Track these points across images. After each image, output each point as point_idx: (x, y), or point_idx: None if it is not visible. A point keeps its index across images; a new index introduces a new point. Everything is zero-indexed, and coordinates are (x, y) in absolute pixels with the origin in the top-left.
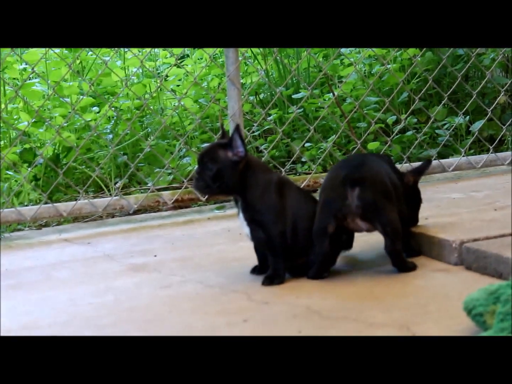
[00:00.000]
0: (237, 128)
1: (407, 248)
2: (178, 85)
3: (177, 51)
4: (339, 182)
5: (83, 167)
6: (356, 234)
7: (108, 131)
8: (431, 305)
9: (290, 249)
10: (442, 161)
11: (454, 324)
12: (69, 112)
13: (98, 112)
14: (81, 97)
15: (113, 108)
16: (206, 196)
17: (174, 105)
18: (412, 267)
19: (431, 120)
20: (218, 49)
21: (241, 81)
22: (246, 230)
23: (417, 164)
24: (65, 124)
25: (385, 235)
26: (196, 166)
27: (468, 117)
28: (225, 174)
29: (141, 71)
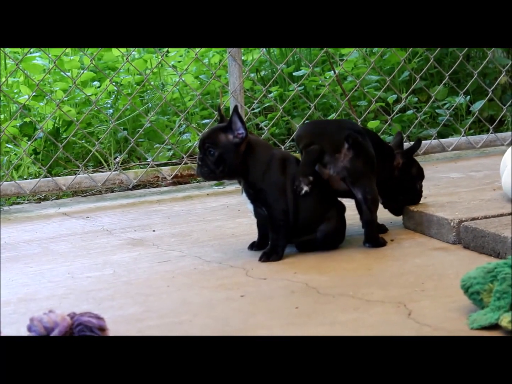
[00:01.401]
0: (235, 110)
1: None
2: (179, 61)
3: None
4: (340, 135)
5: (83, 141)
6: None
7: (109, 106)
8: (429, 283)
9: (295, 226)
10: (442, 140)
11: (451, 301)
12: (70, 87)
13: (98, 87)
14: (82, 71)
15: (113, 83)
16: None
17: (174, 81)
18: (383, 243)
19: (432, 100)
20: None
21: (242, 58)
22: (249, 207)
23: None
24: (66, 99)
25: (364, 203)
26: (198, 152)
27: (468, 97)
28: (227, 158)
29: None
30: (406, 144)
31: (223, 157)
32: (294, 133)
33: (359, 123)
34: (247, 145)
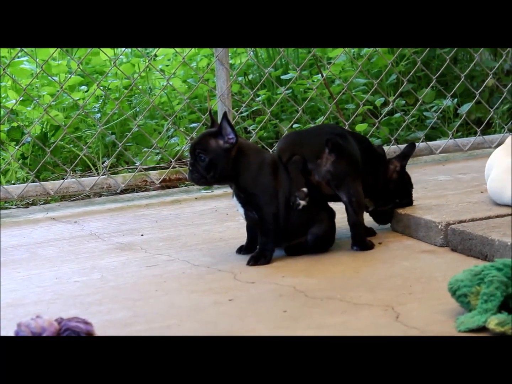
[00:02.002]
0: (225, 116)
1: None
2: (167, 65)
3: None
4: (320, 141)
5: (71, 146)
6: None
7: (96, 110)
8: (416, 285)
9: (285, 229)
10: (430, 143)
11: (439, 304)
12: (57, 91)
13: (86, 91)
14: (70, 75)
15: (101, 87)
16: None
17: (162, 85)
18: (370, 245)
19: (419, 103)
20: None
21: (230, 61)
22: (240, 210)
23: (405, 146)
24: (53, 103)
25: (349, 205)
26: (189, 158)
27: (456, 99)
28: (218, 163)
29: (130, 50)
30: (394, 147)
31: (214, 162)
32: (275, 146)
33: (346, 126)
34: (237, 150)
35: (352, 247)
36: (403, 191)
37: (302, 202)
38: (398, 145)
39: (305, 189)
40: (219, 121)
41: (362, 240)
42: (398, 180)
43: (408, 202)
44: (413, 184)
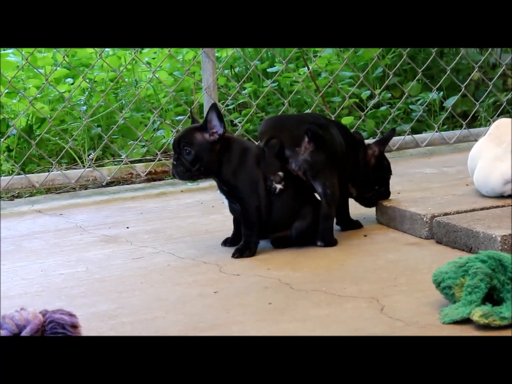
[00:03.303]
0: (213, 107)
1: (348, 221)
2: (153, 58)
3: None
4: (300, 129)
5: (57, 138)
6: None
7: (82, 102)
8: (401, 278)
9: (269, 222)
10: (416, 136)
11: (423, 296)
12: (43, 83)
13: (72, 84)
14: (55, 68)
15: (87, 80)
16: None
17: (149, 78)
18: (335, 242)
19: (405, 96)
20: None
21: (216, 54)
22: (226, 202)
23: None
24: (39, 95)
25: (323, 197)
26: (173, 153)
27: (442, 92)
28: (204, 156)
29: None
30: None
31: (200, 155)
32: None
33: (332, 119)
34: (223, 143)
35: (317, 242)
36: (382, 177)
37: (279, 186)
38: None
39: (281, 173)
40: (205, 115)
41: (329, 234)
42: (376, 166)
43: (386, 190)
44: (391, 172)
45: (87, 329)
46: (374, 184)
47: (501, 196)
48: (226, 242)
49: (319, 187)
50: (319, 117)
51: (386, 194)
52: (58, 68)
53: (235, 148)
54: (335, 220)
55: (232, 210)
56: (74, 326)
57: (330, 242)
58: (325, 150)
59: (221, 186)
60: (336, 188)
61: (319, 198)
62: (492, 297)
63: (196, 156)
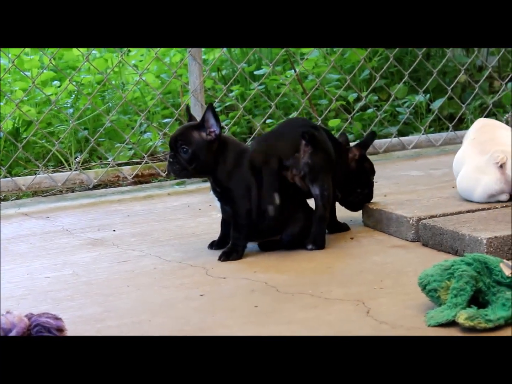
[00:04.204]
0: (210, 107)
1: (335, 223)
2: (140, 60)
3: None
4: (295, 135)
5: (43, 141)
6: None
7: (69, 105)
8: (387, 280)
9: (261, 227)
10: (402, 138)
11: (409, 299)
12: (30, 86)
13: (59, 87)
14: (42, 70)
15: (74, 83)
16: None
17: (135, 80)
18: (324, 245)
19: (392, 98)
20: None
21: (203, 57)
22: (217, 204)
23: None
24: (25, 98)
25: (320, 199)
26: (169, 150)
27: (428, 95)
28: (201, 155)
29: None
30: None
31: (197, 154)
32: (250, 149)
33: (319, 122)
34: (220, 144)
35: (307, 245)
36: (363, 180)
37: (271, 209)
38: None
39: (277, 198)
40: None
41: (321, 238)
42: (357, 169)
43: (368, 193)
44: (375, 172)
45: (73, 332)
46: (355, 187)
47: None
48: (213, 245)
49: (317, 189)
50: (305, 119)
51: (369, 196)
52: (44, 70)
53: (231, 149)
54: None
55: (223, 211)
56: (60, 330)
57: (322, 245)
58: (323, 152)
59: (215, 187)
60: (331, 190)
61: (314, 200)
62: (477, 300)
63: (193, 155)
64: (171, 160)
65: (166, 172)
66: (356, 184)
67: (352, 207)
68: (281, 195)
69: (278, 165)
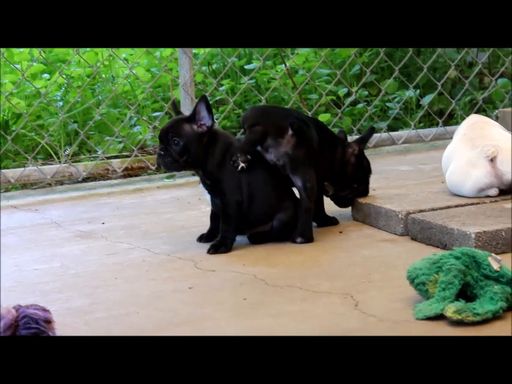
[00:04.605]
0: (203, 99)
1: (324, 217)
2: (130, 54)
3: None
4: (286, 121)
5: (33, 134)
6: None
7: (59, 98)
8: (376, 274)
9: (249, 216)
10: (392, 134)
11: (398, 292)
12: (19, 79)
13: (49, 79)
14: (32, 63)
15: (63, 76)
16: (156, 166)
17: (126, 74)
18: (312, 238)
19: (382, 93)
20: None
21: (194, 51)
22: (207, 197)
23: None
24: (15, 91)
25: (304, 191)
26: (159, 143)
27: (418, 90)
28: (192, 147)
29: None
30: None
31: (188, 146)
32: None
33: (311, 116)
34: (210, 136)
35: (296, 239)
36: (361, 176)
37: (242, 164)
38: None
39: (249, 156)
40: (182, 110)
41: (309, 230)
42: (356, 164)
43: (365, 189)
44: (371, 171)
45: (61, 324)
46: (352, 182)
47: None
48: (202, 238)
49: (298, 181)
50: (300, 113)
51: (365, 192)
52: (34, 63)
53: (221, 141)
54: None
55: (213, 204)
56: (48, 321)
57: (310, 237)
58: (306, 146)
59: (205, 179)
60: (315, 182)
61: (298, 193)
62: (465, 294)
63: (185, 147)
64: (162, 152)
65: (155, 165)
66: (353, 180)
67: (342, 204)
68: (268, 183)
69: (261, 136)
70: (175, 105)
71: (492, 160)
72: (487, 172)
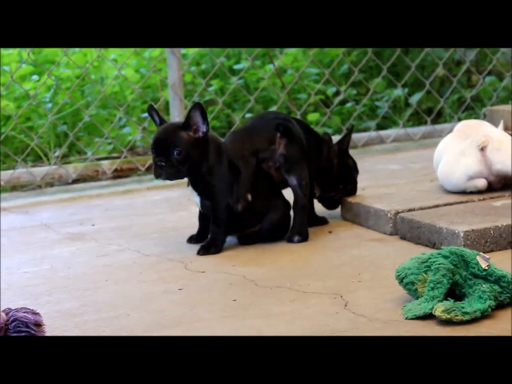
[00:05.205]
0: (197, 106)
1: (314, 217)
2: (120, 55)
3: None
4: (270, 127)
5: (22, 136)
6: None
7: (48, 100)
8: (365, 274)
9: (239, 219)
10: (381, 132)
11: (387, 292)
12: (8, 81)
13: (38, 81)
14: (20, 65)
15: (52, 77)
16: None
17: (115, 75)
18: (308, 237)
19: (371, 92)
20: None
21: (182, 51)
22: (196, 199)
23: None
24: (4, 93)
25: (299, 189)
26: (155, 155)
27: (407, 89)
28: (192, 155)
29: None
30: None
31: (189, 154)
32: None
33: (298, 116)
34: (204, 140)
35: (293, 238)
36: (346, 176)
37: (240, 208)
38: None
39: (249, 197)
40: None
41: (305, 228)
42: (339, 165)
43: (352, 189)
44: (358, 171)
45: (51, 327)
46: (337, 183)
47: (464, 192)
48: (192, 239)
49: (294, 179)
50: (278, 113)
51: (352, 192)
52: (23, 65)
53: (212, 145)
54: None
55: (203, 206)
56: (38, 325)
57: (306, 236)
58: (297, 142)
59: (196, 182)
60: (308, 179)
61: (292, 191)
62: (454, 293)
63: (186, 155)
64: (163, 164)
65: (156, 178)
66: (338, 181)
67: (329, 205)
68: (259, 185)
69: (256, 158)
70: (155, 109)
71: (483, 149)
72: (478, 160)
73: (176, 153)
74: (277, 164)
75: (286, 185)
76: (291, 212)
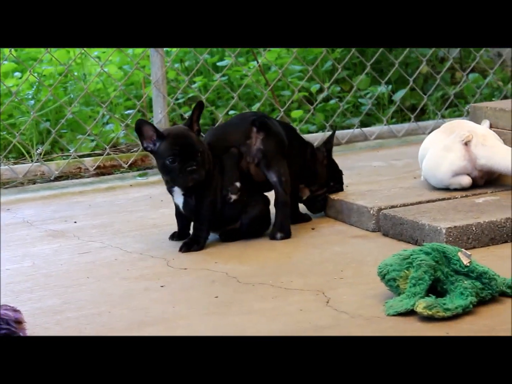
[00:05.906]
0: (200, 105)
1: (297, 214)
2: (103, 52)
3: None
4: (246, 123)
5: (4, 133)
6: None
7: (30, 97)
8: (347, 270)
9: (220, 216)
10: (364, 129)
11: (369, 289)
12: None
13: (20, 78)
14: (3, 62)
15: (35, 74)
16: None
17: (97, 72)
18: (290, 234)
19: (354, 89)
20: None
21: (166, 48)
22: (178, 200)
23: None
24: None
25: (279, 185)
26: (187, 160)
27: (390, 86)
28: (205, 152)
29: None
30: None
31: (205, 152)
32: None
33: (282, 113)
34: None
35: (276, 235)
36: (335, 175)
37: (234, 197)
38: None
39: (238, 184)
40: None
41: (287, 224)
42: (328, 164)
43: (339, 187)
44: (341, 170)
45: (32, 324)
46: (328, 181)
47: (447, 189)
48: (174, 236)
49: (273, 175)
50: (256, 112)
51: (339, 190)
52: (5, 62)
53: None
54: None
55: (186, 204)
56: (19, 322)
57: (289, 233)
58: (275, 137)
59: None
60: (288, 175)
61: (273, 188)
62: (436, 289)
63: (203, 154)
64: (194, 168)
65: (189, 184)
66: (329, 178)
67: (315, 208)
68: (240, 181)
69: (238, 158)
70: (147, 123)
71: (467, 144)
72: (462, 155)
73: (203, 155)
74: (256, 160)
75: (267, 186)
76: (272, 208)
